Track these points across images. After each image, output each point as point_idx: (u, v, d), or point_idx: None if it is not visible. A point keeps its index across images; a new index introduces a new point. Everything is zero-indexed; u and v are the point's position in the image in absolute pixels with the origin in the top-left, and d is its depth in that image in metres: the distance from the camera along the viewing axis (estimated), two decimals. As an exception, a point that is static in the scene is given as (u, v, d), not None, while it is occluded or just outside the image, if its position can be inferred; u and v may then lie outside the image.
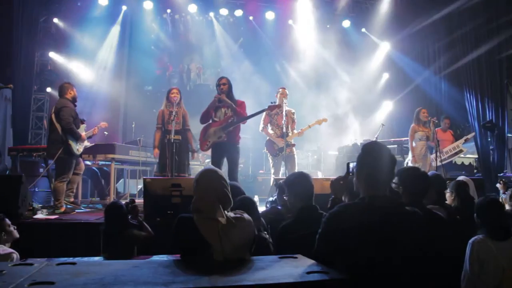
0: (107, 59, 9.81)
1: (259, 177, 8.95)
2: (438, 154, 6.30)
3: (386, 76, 10.75)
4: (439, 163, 6.28)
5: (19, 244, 3.33)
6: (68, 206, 5.29)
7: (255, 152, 9.25)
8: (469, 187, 3.53)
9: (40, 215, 4.74)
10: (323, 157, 9.48)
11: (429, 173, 3.16)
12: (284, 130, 5.68)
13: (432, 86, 9.44)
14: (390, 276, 1.66)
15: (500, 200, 4.39)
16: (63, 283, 1.33)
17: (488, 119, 7.73)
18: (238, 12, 10.43)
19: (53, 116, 5.17)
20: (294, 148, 6.05)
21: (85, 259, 2.79)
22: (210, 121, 5.40)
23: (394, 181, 2.36)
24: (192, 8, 10.15)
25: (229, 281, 1.46)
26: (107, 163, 6.46)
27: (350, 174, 2.39)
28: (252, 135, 8.51)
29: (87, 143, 5.62)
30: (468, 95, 8.14)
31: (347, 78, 10.67)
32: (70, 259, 2.04)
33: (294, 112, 6.16)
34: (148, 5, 9.87)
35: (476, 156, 8.00)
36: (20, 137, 8.28)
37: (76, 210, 5.45)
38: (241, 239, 1.92)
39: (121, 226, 3.16)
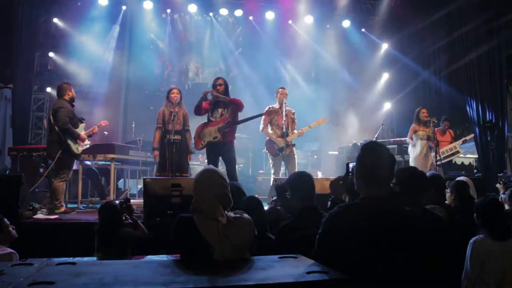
0: (107, 58, 9.81)
1: (259, 177, 8.93)
2: (436, 154, 6.30)
3: (386, 76, 10.74)
4: (435, 164, 6.28)
5: (19, 244, 3.32)
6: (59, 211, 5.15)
7: (255, 152, 9.24)
8: (469, 187, 3.53)
9: (40, 215, 4.72)
10: (323, 157, 9.48)
11: (429, 173, 3.16)
12: (284, 130, 5.68)
13: (432, 86, 9.45)
14: (390, 276, 1.66)
15: (500, 200, 4.38)
16: (63, 283, 1.32)
17: (488, 119, 7.72)
18: (238, 12, 10.42)
19: (51, 117, 5.18)
20: (294, 148, 6.05)
21: (85, 259, 2.79)
22: (206, 121, 5.39)
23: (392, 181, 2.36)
24: (192, 8, 10.15)
25: (229, 281, 1.46)
26: (107, 163, 6.45)
27: (350, 174, 2.40)
28: (251, 135, 8.50)
29: (88, 142, 5.61)
30: (468, 95, 8.14)
31: (347, 78, 10.66)
32: (70, 259, 2.04)
33: (294, 112, 6.16)
34: (148, 5, 9.87)
35: (476, 156, 8.00)
36: (20, 137, 8.30)
37: (76, 210, 5.44)
38: (241, 239, 1.92)
39: (115, 225, 3.14)
